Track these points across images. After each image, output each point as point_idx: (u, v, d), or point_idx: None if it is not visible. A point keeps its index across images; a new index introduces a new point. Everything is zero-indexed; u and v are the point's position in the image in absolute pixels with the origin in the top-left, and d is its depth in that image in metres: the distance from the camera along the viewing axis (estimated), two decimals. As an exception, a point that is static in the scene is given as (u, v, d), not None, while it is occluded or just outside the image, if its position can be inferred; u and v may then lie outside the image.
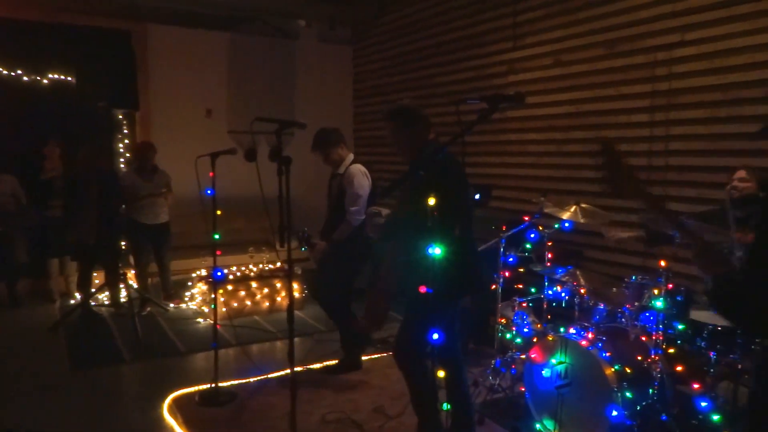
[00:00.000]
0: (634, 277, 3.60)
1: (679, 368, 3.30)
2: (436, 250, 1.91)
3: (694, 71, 4.49)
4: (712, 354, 3.25)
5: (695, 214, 3.66)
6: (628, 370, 3.15)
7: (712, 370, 3.29)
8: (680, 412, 3.28)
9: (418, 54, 7.43)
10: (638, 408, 3.12)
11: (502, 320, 4.08)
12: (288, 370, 2.75)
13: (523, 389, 3.54)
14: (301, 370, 4.25)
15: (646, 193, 1.68)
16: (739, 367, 3.19)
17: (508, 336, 4.07)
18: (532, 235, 3.99)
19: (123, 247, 5.95)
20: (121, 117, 7.50)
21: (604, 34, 5.13)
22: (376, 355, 4.61)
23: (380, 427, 3.47)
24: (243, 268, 6.21)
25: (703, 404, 3.20)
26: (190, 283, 6.29)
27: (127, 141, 7.48)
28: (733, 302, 1.51)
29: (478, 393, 3.81)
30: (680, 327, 3.35)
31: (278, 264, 6.27)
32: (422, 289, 2.12)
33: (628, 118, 4.99)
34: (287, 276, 2.87)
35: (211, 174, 3.76)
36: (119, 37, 7.28)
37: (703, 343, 3.27)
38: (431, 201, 1.85)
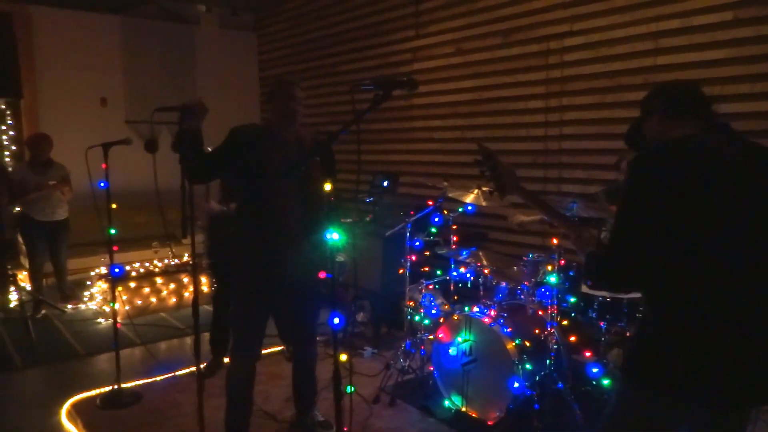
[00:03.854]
0: (531, 255, 3.79)
1: (572, 338, 3.52)
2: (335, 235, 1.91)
3: (583, 59, 4.76)
4: (602, 324, 3.48)
5: (588, 195, 3.89)
6: (528, 344, 3.33)
7: (602, 339, 3.54)
8: (575, 380, 3.51)
9: (324, 41, 7.38)
10: (537, 378, 3.31)
11: (411, 303, 4.18)
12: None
13: (432, 369, 3.66)
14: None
15: (522, 188, 1.84)
16: (627, 334, 3.44)
17: (417, 318, 4.18)
18: (437, 219, 4.09)
19: (18, 245, 5.51)
20: (3, 107, 6.94)
21: (502, 24, 5.33)
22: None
23: (293, 416, 3.46)
24: (147, 264, 5.96)
25: (595, 370, 3.44)
26: (89, 282, 5.96)
27: (12, 132, 6.93)
28: (598, 274, 1.63)
29: (390, 376, 3.89)
30: (573, 300, 3.57)
31: (185, 258, 6.06)
32: (322, 275, 2.13)
33: (525, 105, 5.22)
34: (193, 269, 2.80)
35: (104, 166, 3.58)
36: (-2, 19, 6.70)
37: (593, 314, 3.48)
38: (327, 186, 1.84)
